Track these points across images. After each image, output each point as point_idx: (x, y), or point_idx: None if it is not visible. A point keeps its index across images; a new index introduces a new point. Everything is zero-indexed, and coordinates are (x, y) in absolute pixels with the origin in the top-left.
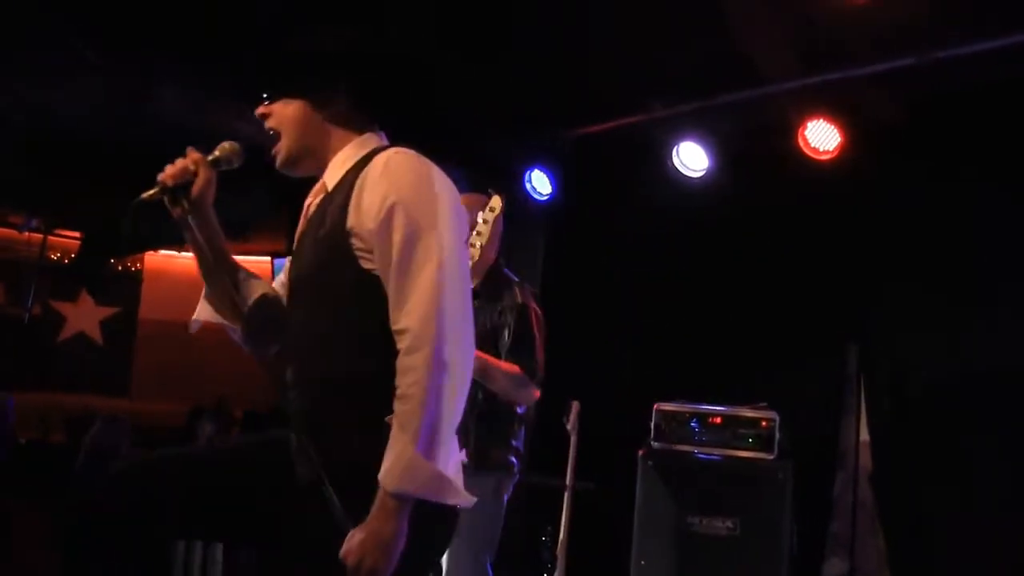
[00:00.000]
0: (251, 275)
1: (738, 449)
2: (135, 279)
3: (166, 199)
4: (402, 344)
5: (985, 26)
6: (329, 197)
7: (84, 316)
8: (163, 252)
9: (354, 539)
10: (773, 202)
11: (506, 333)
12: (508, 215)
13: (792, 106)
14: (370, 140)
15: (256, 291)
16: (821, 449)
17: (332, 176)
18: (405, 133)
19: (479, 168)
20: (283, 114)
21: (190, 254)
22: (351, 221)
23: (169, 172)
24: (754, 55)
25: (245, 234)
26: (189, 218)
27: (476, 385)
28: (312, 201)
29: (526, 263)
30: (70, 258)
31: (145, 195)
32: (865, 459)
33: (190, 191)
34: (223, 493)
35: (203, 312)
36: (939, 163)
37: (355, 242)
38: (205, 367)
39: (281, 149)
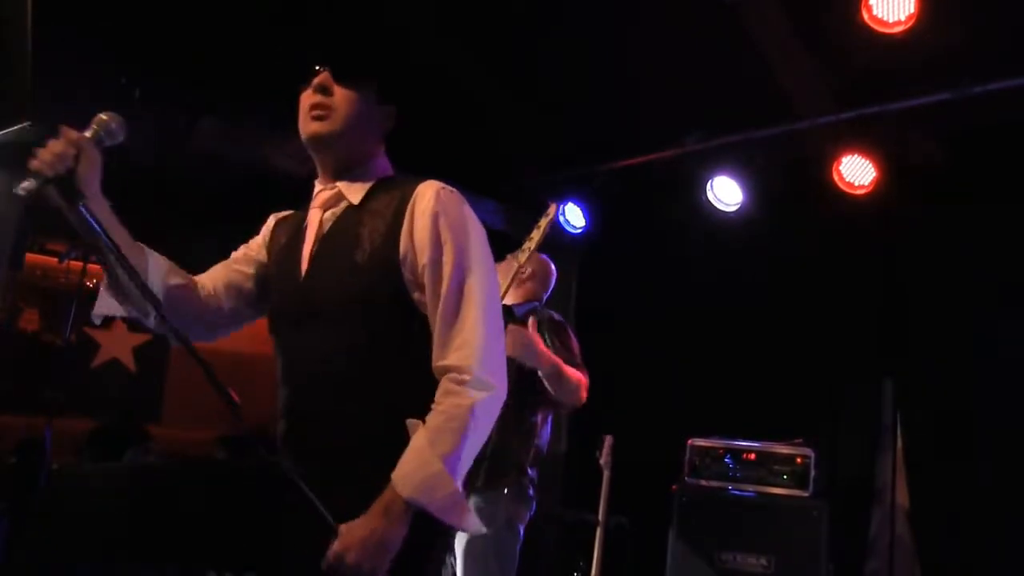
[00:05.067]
0: (154, 254)
1: (773, 486)
2: None
3: (50, 191)
4: (449, 381)
5: (1021, 60)
6: (356, 216)
7: (117, 343)
8: None
9: (352, 536)
10: (808, 236)
11: (552, 346)
12: (542, 249)
13: (827, 141)
14: (388, 164)
15: (164, 271)
16: (857, 486)
17: (353, 191)
18: (443, 165)
19: (513, 201)
20: (344, 95)
21: None
22: (403, 251)
23: (45, 159)
24: (789, 89)
25: None
26: (80, 208)
27: None
28: (324, 213)
29: (559, 296)
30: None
31: (22, 189)
32: (902, 496)
33: (74, 177)
34: (215, 520)
35: (104, 306)
36: (975, 197)
37: (406, 273)
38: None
39: (329, 123)
